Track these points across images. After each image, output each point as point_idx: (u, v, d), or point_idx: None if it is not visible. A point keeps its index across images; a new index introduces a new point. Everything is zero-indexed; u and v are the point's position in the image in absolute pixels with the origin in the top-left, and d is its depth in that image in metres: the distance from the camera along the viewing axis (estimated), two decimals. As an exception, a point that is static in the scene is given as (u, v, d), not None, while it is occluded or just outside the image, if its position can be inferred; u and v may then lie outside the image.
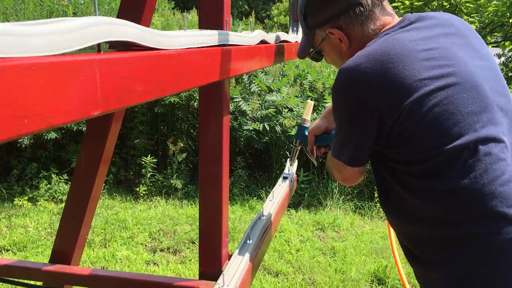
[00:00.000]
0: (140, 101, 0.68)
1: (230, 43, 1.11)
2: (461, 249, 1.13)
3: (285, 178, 2.14)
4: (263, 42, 1.47)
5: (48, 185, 4.94)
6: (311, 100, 5.40)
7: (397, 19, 1.30)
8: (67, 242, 1.73)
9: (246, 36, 1.27)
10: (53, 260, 1.73)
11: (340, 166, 1.29)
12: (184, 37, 0.85)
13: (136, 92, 0.66)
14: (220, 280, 1.28)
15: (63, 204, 1.83)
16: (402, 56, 1.13)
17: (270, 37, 1.58)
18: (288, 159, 2.13)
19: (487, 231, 1.10)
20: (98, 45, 0.59)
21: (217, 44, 1.02)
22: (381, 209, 4.73)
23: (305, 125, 1.89)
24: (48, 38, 0.48)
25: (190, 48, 0.87)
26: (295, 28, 2.23)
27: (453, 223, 1.14)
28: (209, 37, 0.97)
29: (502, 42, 7.22)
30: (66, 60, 0.50)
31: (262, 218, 1.66)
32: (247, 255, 1.41)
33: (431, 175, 1.14)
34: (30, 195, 4.85)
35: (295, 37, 2.05)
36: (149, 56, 0.70)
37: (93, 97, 0.56)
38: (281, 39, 1.75)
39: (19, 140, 4.93)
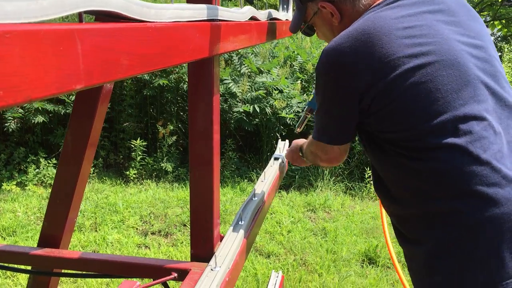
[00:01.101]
0: (125, 75, 0.64)
1: (219, 18, 1.07)
2: (443, 227, 1.14)
3: (276, 159, 2.12)
4: (253, 19, 1.44)
5: (37, 170, 4.88)
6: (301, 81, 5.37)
7: None
8: (55, 226, 1.70)
9: (236, 11, 1.24)
10: (42, 244, 1.70)
11: (325, 147, 1.32)
12: (172, 9, 0.81)
13: (121, 65, 0.63)
14: (212, 262, 1.26)
15: (51, 188, 1.80)
16: (382, 35, 1.13)
17: (261, 14, 1.54)
18: (297, 126, 1.99)
19: (467, 209, 1.11)
20: (80, 14, 0.55)
21: (206, 18, 0.98)
22: (371, 190, 4.75)
23: None
24: (23, 4, 0.45)
25: (178, 21, 0.83)
26: (285, 6, 2.19)
27: (434, 201, 1.14)
28: (198, 11, 0.93)
29: (491, 22, 7.21)
30: (44, 28, 0.47)
31: (254, 199, 1.64)
32: (239, 236, 1.39)
33: (413, 153, 1.14)
34: (19, 180, 4.79)
35: (285, 15, 2.01)
36: (135, 28, 0.67)
37: (74, 70, 0.52)
38: (272, 17, 1.71)
39: (6, 124, 4.84)
